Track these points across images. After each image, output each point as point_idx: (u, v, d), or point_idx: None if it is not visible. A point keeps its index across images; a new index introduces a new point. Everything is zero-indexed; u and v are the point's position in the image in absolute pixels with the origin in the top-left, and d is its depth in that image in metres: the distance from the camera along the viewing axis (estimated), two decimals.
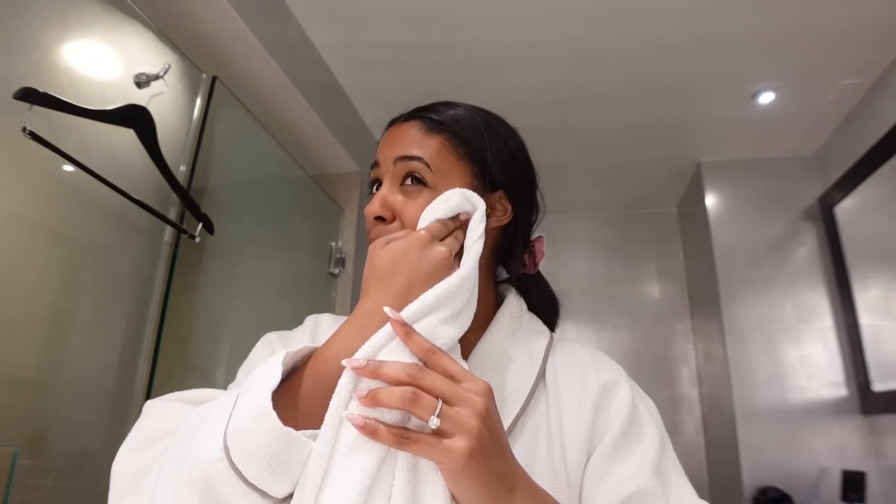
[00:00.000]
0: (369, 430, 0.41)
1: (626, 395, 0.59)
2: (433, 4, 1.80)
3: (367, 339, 0.46)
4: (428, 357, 0.45)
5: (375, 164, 0.64)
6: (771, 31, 1.88)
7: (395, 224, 0.59)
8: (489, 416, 0.43)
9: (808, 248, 2.52)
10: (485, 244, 0.62)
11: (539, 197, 0.70)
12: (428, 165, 0.59)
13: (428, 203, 0.58)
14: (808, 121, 2.41)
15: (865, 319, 2.21)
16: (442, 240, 0.54)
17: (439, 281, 0.51)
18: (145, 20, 1.32)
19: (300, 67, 1.87)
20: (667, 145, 2.67)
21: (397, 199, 0.60)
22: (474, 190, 0.61)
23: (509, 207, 0.65)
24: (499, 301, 0.69)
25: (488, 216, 0.62)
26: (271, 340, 0.66)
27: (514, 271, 0.69)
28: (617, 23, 1.86)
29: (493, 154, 0.63)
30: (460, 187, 0.60)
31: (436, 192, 0.59)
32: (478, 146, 0.63)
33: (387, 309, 0.47)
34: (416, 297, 0.49)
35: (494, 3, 1.79)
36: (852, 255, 2.30)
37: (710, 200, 2.71)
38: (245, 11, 1.53)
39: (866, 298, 2.22)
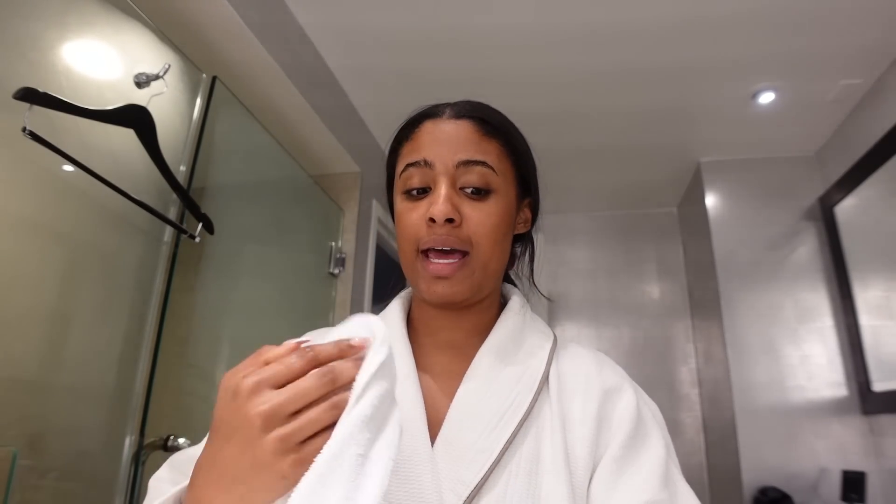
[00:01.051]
0: None
1: (630, 399, 0.58)
2: (437, 24, 1.80)
3: None
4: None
5: (423, 164, 0.58)
6: (771, 31, 1.88)
7: (464, 230, 0.57)
8: None
9: (808, 247, 2.52)
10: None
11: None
12: (494, 171, 0.58)
13: (496, 212, 0.58)
14: (808, 121, 2.41)
15: (865, 319, 2.21)
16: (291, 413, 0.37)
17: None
18: (145, 20, 1.32)
19: (300, 67, 1.87)
20: (667, 145, 2.67)
21: (461, 201, 0.57)
22: (514, 199, 0.62)
23: (529, 216, 0.66)
24: (502, 302, 0.68)
25: (517, 222, 0.64)
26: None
27: (535, 280, 0.70)
28: (618, 23, 1.86)
29: (529, 163, 0.64)
30: (512, 193, 0.61)
31: (499, 195, 0.58)
32: (523, 153, 0.63)
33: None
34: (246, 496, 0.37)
35: (501, 24, 1.78)
36: (852, 255, 2.29)
37: (710, 200, 2.71)
38: (245, 12, 1.53)
39: (866, 298, 2.22)
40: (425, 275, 0.58)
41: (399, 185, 0.61)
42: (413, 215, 0.58)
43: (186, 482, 0.42)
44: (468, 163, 0.57)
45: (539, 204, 0.68)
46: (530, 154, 0.66)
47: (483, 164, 0.58)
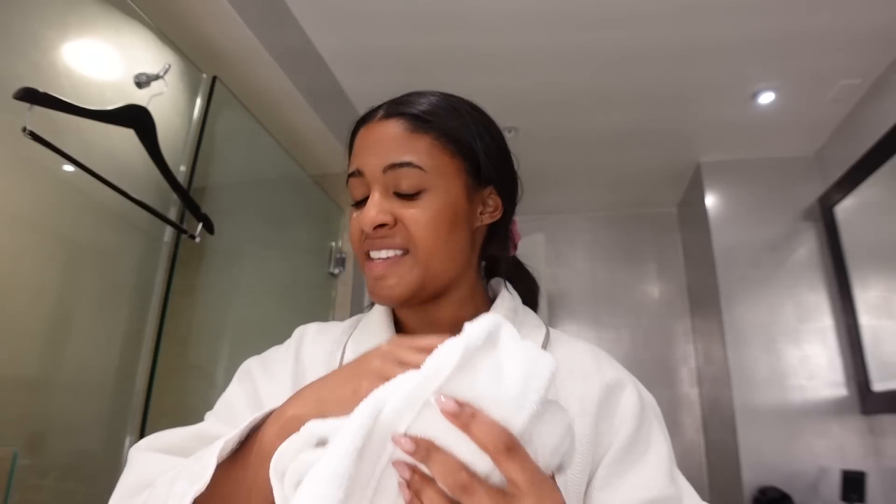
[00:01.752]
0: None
1: (632, 394, 0.57)
2: (433, 7, 1.80)
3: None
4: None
5: (357, 174, 0.58)
6: (771, 31, 1.88)
7: (400, 230, 0.56)
8: None
9: (808, 248, 2.52)
10: (478, 241, 0.63)
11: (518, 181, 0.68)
12: (422, 169, 0.56)
13: (431, 208, 0.56)
14: (808, 121, 2.41)
15: (865, 319, 2.21)
16: None
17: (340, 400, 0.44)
18: (145, 20, 1.32)
19: (300, 67, 1.87)
20: (667, 145, 2.67)
21: (393, 202, 0.56)
22: (468, 188, 0.59)
23: (499, 202, 0.63)
24: (490, 298, 0.67)
25: (480, 213, 0.61)
26: (250, 371, 0.63)
27: (500, 261, 0.68)
28: (617, 24, 1.86)
29: (482, 148, 0.60)
30: (457, 185, 0.58)
31: (435, 192, 0.56)
32: (467, 142, 0.59)
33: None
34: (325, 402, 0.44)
35: (495, 7, 1.79)
36: (852, 255, 2.29)
37: (710, 200, 2.71)
38: (245, 12, 1.53)
39: (866, 298, 2.22)
40: (368, 276, 0.59)
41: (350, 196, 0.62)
42: (356, 224, 0.59)
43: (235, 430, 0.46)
44: (392, 166, 0.56)
45: (514, 188, 0.65)
46: (490, 139, 0.62)
47: (408, 164, 0.56)
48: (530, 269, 0.74)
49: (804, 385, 2.35)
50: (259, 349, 0.68)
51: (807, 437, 2.28)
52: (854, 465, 2.15)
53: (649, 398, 0.61)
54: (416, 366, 0.38)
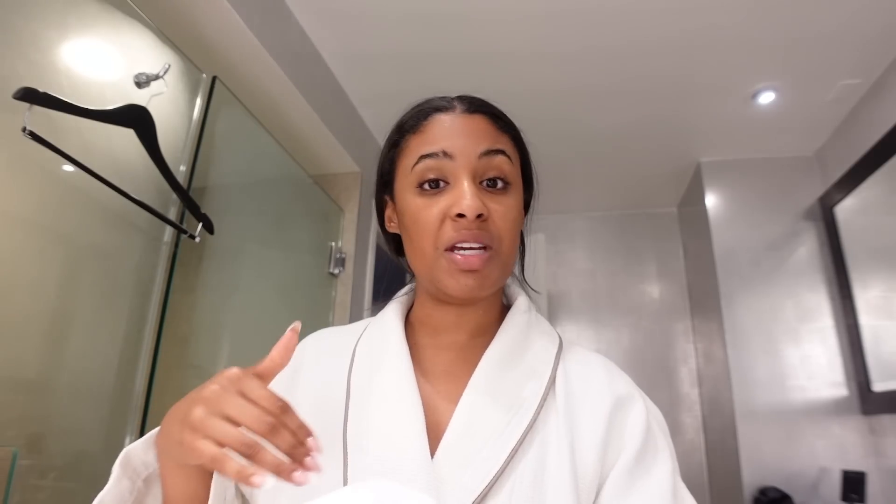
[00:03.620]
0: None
1: (640, 410, 0.57)
2: (433, 7, 1.80)
3: None
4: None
5: (442, 156, 0.55)
6: (771, 31, 1.88)
7: (491, 226, 0.55)
8: None
9: (808, 248, 2.52)
10: None
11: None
12: (510, 160, 0.58)
13: (515, 206, 0.57)
14: (808, 121, 2.41)
15: (865, 319, 2.21)
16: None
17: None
18: (145, 20, 1.32)
19: (300, 67, 1.87)
20: (667, 145, 2.67)
21: (485, 197, 0.55)
22: (523, 193, 0.62)
23: (523, 214, 0.65)
24: (506, 303, 0.66)
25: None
26: None
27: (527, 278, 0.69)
28: (617, 23, 1.86)
29: (529, 160, 0.64)
30: (521, 189, 0.60)
31: (515, 188, 0.58)
32: (526, 151, 0.63)
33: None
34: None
35: (495, 7, 1.79)
36: (852, 255, 2.30)
37: (710, 200, 2.71)
38: (245, 11, 1.53)
39: (866, 298, 2.22)
40: (452, 269, 0.54)
41: (411, 179, 0.57)
42: (433, 211, 0.55)
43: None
44: (490, 152, 0.56)
45: (532, 202, 0.68)
46: (527, 152, 0.66)
47: (503, 153, 0.57)
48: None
49: (804, 385, 2.35)
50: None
51: (807, 437, 2.28)
52: (854, 465, 2.15)
53: (656, 412, 0.60)
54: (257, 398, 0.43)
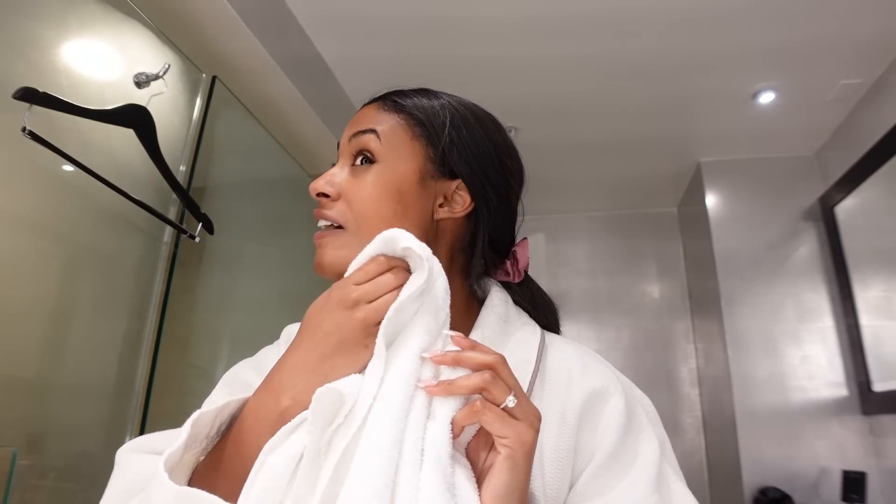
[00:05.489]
0: (444, 388, 0.43)
1: (617, 404, 0.53)
2: (435, 14, 1.80)
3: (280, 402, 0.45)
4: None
5: (337, 147, 0.62)
6: (771, 31, 1.88)
7: (340, 204, 0.57)
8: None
9: (808, 248, 2.52)
10: (444, 236, 0.59)
11: (519, 203, 0.65)
12: (378, 136, 0.57)
13: (374, 182, 0.56)
14: (809, 121, 2.41)
15: (865, 319, 2.21)
16: (370, 301, 0.47)
17: (346, 361, 0.46)
18: (145, 20, 1.32)
19: (300, 67, 1.87)
20: (667, 146, 2.67)
21: (344, 175, 0.58)
22: (426, 173, 0.57)
23: (468, 200, 0.59)
24: (479, 299, 0.63)
25: (441, 205, 0.58)
26: (238, 375, 0.63)
27: (474, 273, 0.61)
28: (617, 24, 1.86)
29: (452, 139, 0.58)
30: (410, 166, 0.57)
31: (384, 165, 0.56)
32: (435, 129, 0.58)
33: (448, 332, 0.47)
34: (330, 370, 0.46)
35: (497, 15, 1.78)
36: (852, 255, 2.29)
37: (711, 201, 2.71)
38: (245, 11, 1.53)
39: (866, 298, 2.22)
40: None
41: None
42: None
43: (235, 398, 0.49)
44: (357, 133, 0.58)
45: (498, 195, 0.61)
46: (470, 136, 0.60)
47: (368, 131, 0.57)
48: (544, 295, 0.72)
49: (805, 385, 2.35)
50: (258, 349, 0.68)
51: (807, 437, 2.28)
52: (855, 465, 2.15)
53: (643, 401, 0.58)
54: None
